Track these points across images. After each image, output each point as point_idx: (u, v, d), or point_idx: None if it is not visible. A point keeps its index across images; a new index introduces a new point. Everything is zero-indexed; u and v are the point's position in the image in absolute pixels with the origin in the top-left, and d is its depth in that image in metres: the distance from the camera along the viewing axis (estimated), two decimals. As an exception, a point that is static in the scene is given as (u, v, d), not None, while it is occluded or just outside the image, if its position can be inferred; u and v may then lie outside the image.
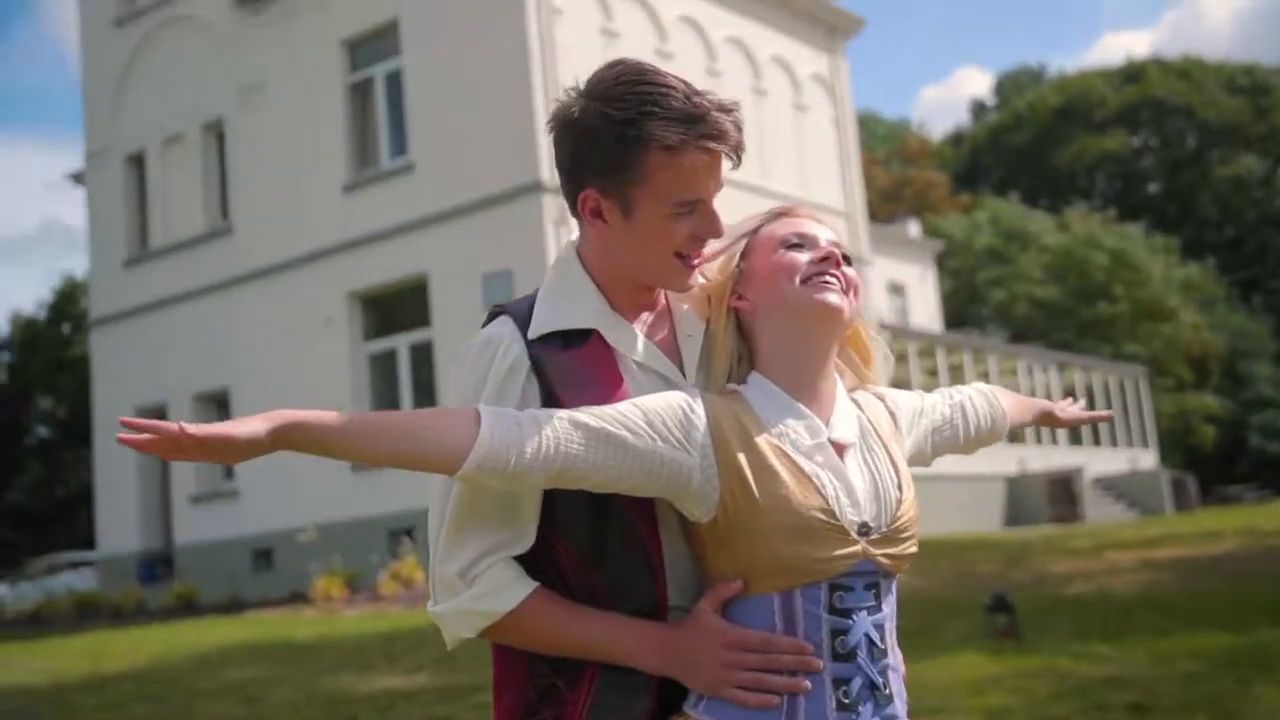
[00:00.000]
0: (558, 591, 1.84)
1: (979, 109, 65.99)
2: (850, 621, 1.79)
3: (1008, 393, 2.35)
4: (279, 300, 19.68)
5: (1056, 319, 41.84)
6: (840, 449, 1.86)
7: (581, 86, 1.87)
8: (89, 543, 24.92)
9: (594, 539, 1.83)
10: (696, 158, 1.81)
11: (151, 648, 13.29)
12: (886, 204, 47.32)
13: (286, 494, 18.45)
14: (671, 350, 1.97)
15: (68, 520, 40.56)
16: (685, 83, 1.84)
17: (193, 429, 1.57)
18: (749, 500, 1.77)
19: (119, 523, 21.64)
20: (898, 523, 1.85)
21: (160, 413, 19.77)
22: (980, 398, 2.27)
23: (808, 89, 22.78)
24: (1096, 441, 29.70)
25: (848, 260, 1.92)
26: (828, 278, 1.87)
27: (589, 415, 1.75)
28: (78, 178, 24.04)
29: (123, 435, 1.58)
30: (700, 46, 20.47)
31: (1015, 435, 20.42)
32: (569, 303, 1.92)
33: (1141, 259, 43.13)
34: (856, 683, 1.79)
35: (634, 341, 1.92)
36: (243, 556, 19.34)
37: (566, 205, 1.94)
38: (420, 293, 18.24)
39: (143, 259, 21.84)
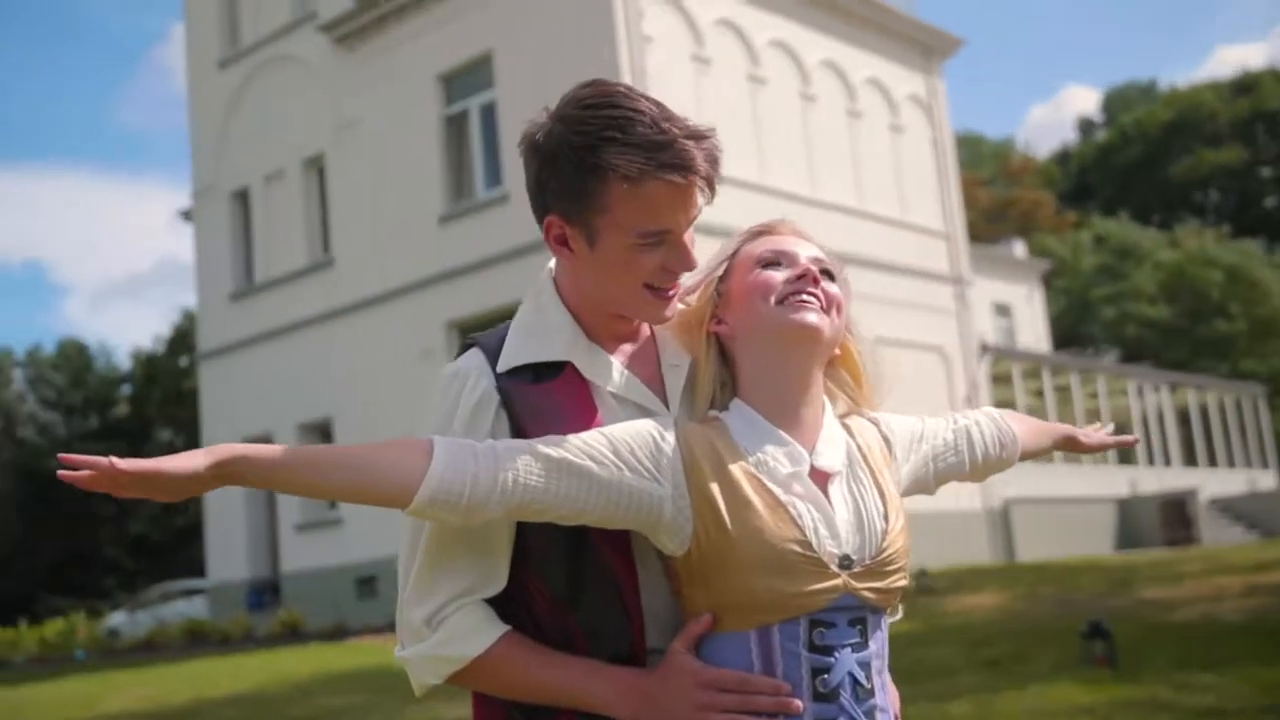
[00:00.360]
0: (530, 636, 1.76)
1: (1087, 126, 64.83)
2: (832, 659, 1.69)
3: (1021, 417, 2.22)
4: (378, 331, 19.92)
5: (1169, 338, 40.85)
6: (824, 477, 1.76)
7: (552, 107, 1.78)
8: (203, 571, 25.42)
9: (567, 579, 1.75)
10: (658, 188, 1.69)
11: (254, 675, 13.48)
12: (991, 224, 46.60)
13: (390, 522, 18.53)
14: (654, 380, 1.87)
15: (185, 549, 41.40)
16: (659, 106, 1.72)
17: (124, 464, 1.51)
18: (721, 532, 1.68)
19: (228, 551, 22.04)
20: (883, 555, 1.74)
21: (265, 442, 20.04)
22: (989, 423, 2.12)
23: (904, 110, 22.52)
24: (1213, 462, 28.83)
25: (830, 275, 1.82)
26: (805, 296, 1.77)
27: (551, 445, 1.67)
28: (188, 215, 24.60)
29: (61, 472, 1.52)
30: (794, 71, 20.34)
31: (1126, 456, 20.02)
32: (541, 334, 1.83)
33: (1259, 275, 41.94)
34: None
35: (610, 372, 1.82)
36: (347, 584, 19.53)
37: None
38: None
39: (248, 292, 22.29)
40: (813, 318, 1.76)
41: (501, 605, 1.77)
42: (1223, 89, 55.32)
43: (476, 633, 1.72)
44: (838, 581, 1.69)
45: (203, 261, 23.29)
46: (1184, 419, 28.84)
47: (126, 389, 49.48)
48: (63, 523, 44.59)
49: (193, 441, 36.03)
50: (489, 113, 19.28)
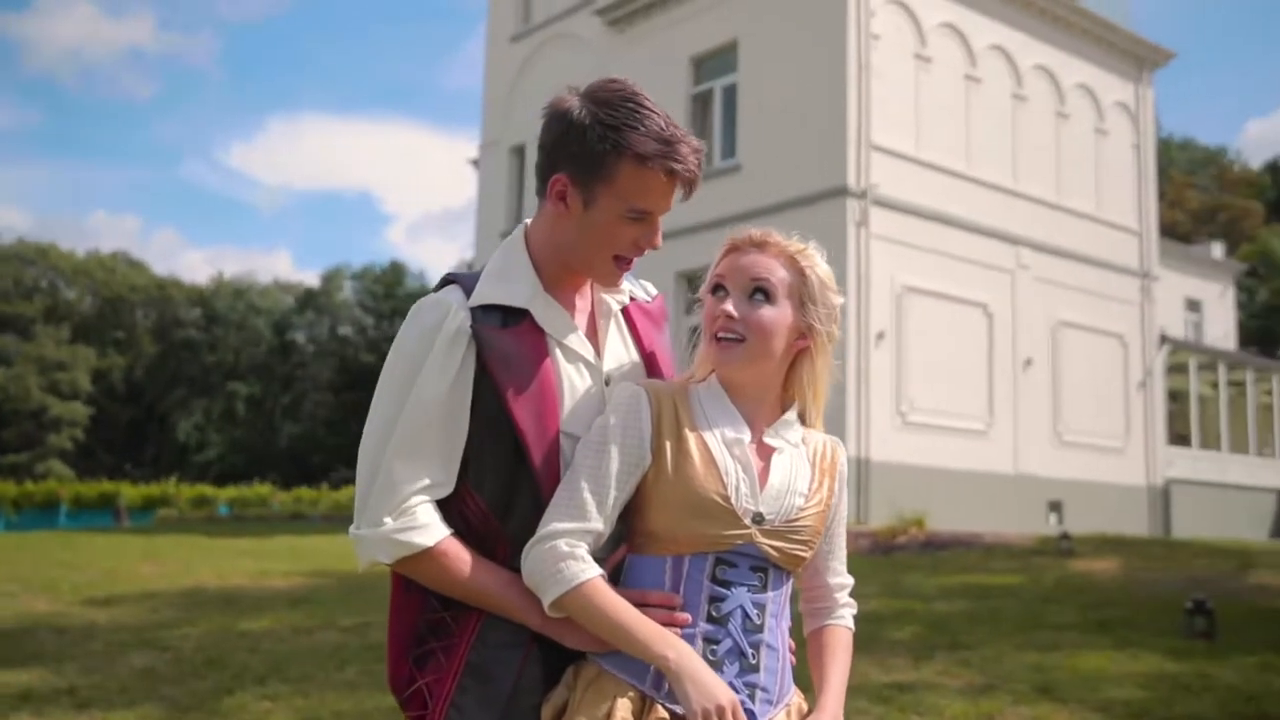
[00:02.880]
0: (460, 538, 1.83)
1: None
2: (728, 592, 1.79)
3: (835, 660, 2.00)
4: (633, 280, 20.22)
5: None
6: (769, 451, 1.87)
7: (580, 89, 1.87)
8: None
9: (501, 492, 1.82)
10: (658, 175, 1.82)
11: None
12: (1199, 226, 43.84)
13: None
14: (590, 330, 1.96)
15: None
16: (667, 115, 1.85)
17: None
18: (663, 475, 1.81)
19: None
20: (792, 522, 1.84)
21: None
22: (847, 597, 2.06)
23: (1110, 115, 21.37)
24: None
25: (767, 294, 1.86)
26: (719, 334, 1.87)
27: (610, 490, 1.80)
28: (475, 163, 25.45)
29: None
30: (1008, 72, 19.56)
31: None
32: (508, 279, 1.89)
33: None
34: (725, 645, 1.79)
35: (561, 325, 1.90)
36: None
37: (537, 178, 1.92)
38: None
39: (517, 234, 22.94)
40: (722, 356, 1.87)
41: (439, 504, 1.83)
42: None
43: (434, 527, 1.79)
44: (746, 531, 1.80)
45: (483, 204, 24.08)
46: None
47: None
48: (369, 405, 47.34)
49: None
50: (730, 93, 19.26)
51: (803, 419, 1.95)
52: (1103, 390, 20.44)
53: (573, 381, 1.89)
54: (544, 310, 1.89)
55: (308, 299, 62.23)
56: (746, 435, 1.86)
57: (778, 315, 1.86)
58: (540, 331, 1.87)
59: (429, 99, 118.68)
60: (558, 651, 1.81)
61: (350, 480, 29.92)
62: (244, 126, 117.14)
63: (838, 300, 1.94)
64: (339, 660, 6.79)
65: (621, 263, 1.90)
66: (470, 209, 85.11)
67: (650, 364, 2.02)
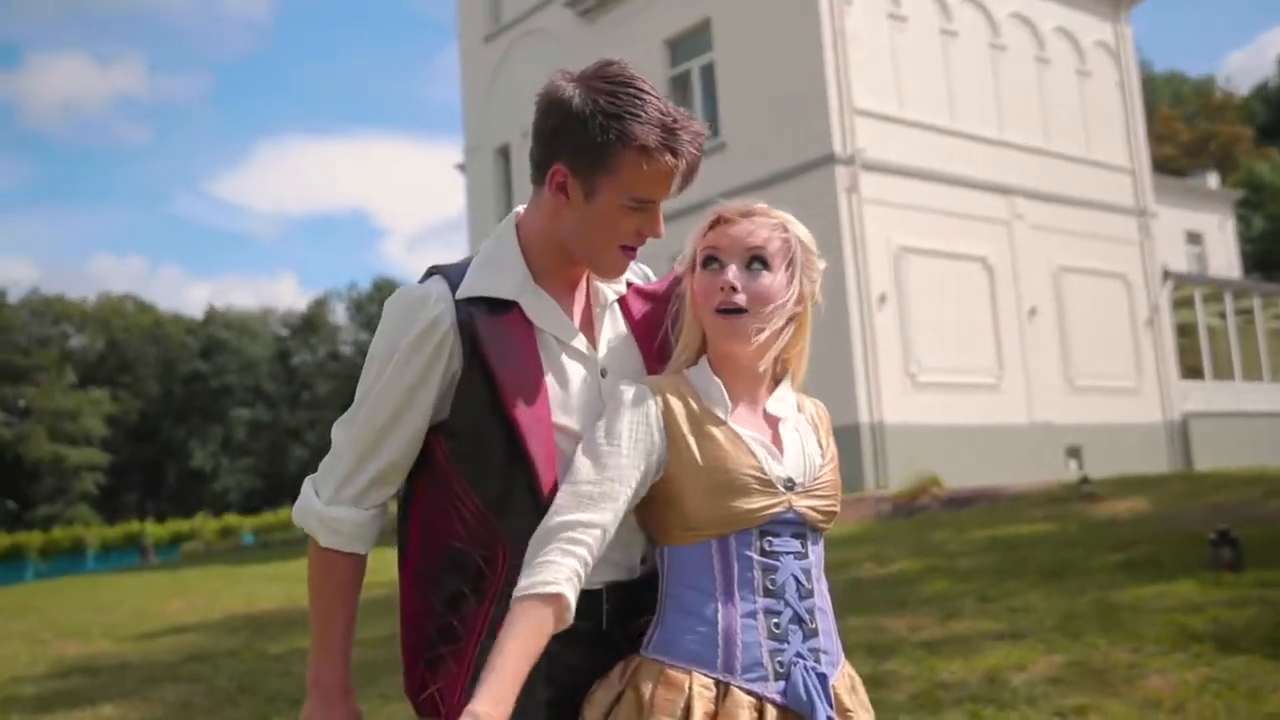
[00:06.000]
0: (460, 538, 1.82)
1: (1290, 62, 59.63)
2: (778, 563, 1.80)
3: None
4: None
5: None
6: (774, 420, 1.88)
7: (574, 74, 1.81)
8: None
9: (499, 490, 1.79)
10: (661, 164, 1.76)
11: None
12: (1190, 158, 43.62)
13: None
14: (586, 322, 1.91)
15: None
16: (664, 98, 1.81)
17: None
18: (691, 465, 1.80)
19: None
20: (818, 480, 1.86)
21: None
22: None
23: (1091, 56, 21.28)
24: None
25: (764, 262, 1.86)
26: (725, 306, 1.84)
27: (619, 490, 1.76)
28: (462, 169, 25.43)
29: None
30: (985, 23, 19.48)
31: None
32: (496, 271, 1.85)
33: None
34: (786, 615, 1.80)
35: (552, 317, 1.86)
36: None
37: (531, 167, 1.86)
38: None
39: (510, 234, 22.93)
40: (730, 329, 1.84)
41: (436, 509, 1.83)
42: None
43: (343, 535, 1.85)
44: (783, 498, 1.81)
45: (474, 209, 24.07)
46: None
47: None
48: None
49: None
50: (708, 72, 19.21)
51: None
52: (1110, 332, 20.39)
53: (565, 374, 1.85)
54: (533, 302, 1.85)
55: (304, 323, 62.71)
56: (756, 407, 1.88)
57: (779, 282, 1.86)
58: (529, 324, 1.84)
59: (411, 111, 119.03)
60: (566, 649, 1.75)
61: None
62: (231, 155, 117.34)
63: (821, 263, 1.96)
64: (370, 674, 6.79)
65: (627, 252, 1.85)
66: (464, 216, 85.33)
67: (645, 348, 1.97)
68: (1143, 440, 20.19)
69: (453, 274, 1.85)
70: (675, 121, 1.77)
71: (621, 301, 1.98)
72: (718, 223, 1.90)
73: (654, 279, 2.07)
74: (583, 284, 1.94)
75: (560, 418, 1.81)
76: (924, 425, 16.90)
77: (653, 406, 1.81)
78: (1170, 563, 8.14)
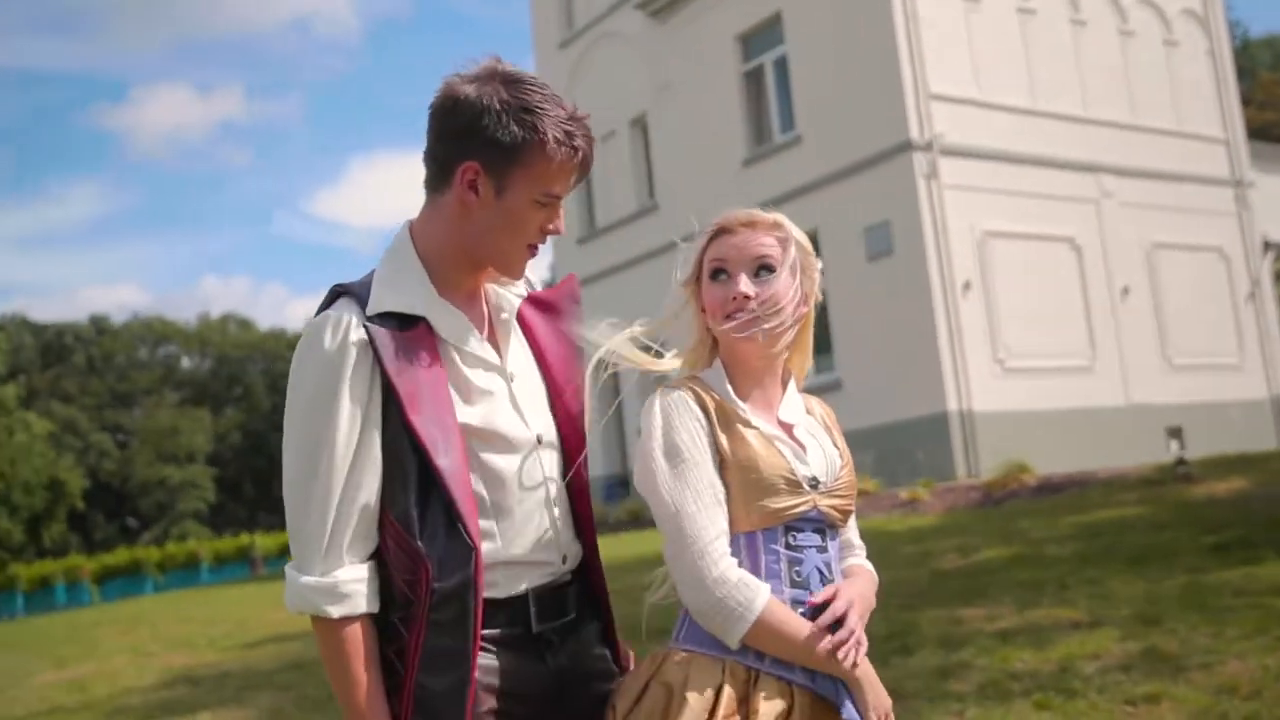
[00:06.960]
0: (388, 561, 1.80)
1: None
2: (803, 556, 1.89)
3: (865, 595, 2.00)
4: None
5: None
6: (789, 426, 1.96)
7: (469, 75, 1.82)
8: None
9: (416, 509, 1.77)
10: (568, 160, 1.80)
11: (608, 549, 14.22)
12: (1294, 123, 42.04)
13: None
14: (490, 333, 1.93)
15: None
16: (559, 97, 1.84)
17: None
18: (726, 464, 1.88)
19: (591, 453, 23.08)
20: (839, 480, 1.94)
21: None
22: (857, 537, 2.13)
23: (1178, 25, 20.71)
24: None
25: (770, 268, 1.92)
26: (738, 317, 1.91)
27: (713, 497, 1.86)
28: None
29: None
30: (1063, -1, 19.11)
31: None
32: (400, 285, 1.83)
33: None
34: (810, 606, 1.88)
35: (457, 329, 1.86)
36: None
37: (429, 172, 1.85)
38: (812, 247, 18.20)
39: (591, 236, 23.12)
40: (743, 334, 1.91)
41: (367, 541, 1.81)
42: None
43: (351, 599, 1.76)
44: (809, 498, 1.89)
45: (556, 213, 24.29)
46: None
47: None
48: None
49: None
50: (781, 66, 19.14)
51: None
52: (1208, 307, 19.84)
53: (474, 384, 1.85)
54: (440, 316, 1.85)
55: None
56: (772, 411, 1.96)
57: (787, 287, 1.93)
58: (434, 336, 1.83)
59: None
60: (501, 657, 1.83)
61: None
62: (326, 173, 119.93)
63: (818, 264, 2.02)
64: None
65: (532, 250, 1.87)
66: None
67: (546, 356, 2.00)
68: (1248, 418, 19.61)
69: (359, 292, 1.83)
70: (573, 116, 1.80)
71: (519, 311, 2.00)
72: (719, 234, 1.96)
73: (536, 287, 2.08)
74: (481, 294, 1.94)
75: (470, 425, 1.82)
76: (1015, 411, 16.64)
77: (698, 410, 1.89)
78: (1262, 544, 7.91)
